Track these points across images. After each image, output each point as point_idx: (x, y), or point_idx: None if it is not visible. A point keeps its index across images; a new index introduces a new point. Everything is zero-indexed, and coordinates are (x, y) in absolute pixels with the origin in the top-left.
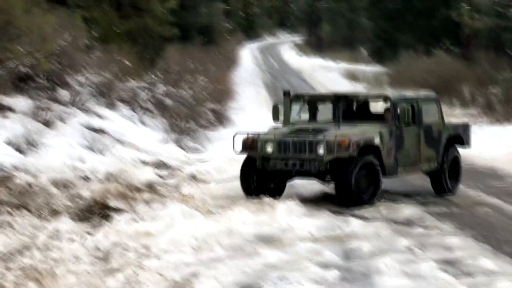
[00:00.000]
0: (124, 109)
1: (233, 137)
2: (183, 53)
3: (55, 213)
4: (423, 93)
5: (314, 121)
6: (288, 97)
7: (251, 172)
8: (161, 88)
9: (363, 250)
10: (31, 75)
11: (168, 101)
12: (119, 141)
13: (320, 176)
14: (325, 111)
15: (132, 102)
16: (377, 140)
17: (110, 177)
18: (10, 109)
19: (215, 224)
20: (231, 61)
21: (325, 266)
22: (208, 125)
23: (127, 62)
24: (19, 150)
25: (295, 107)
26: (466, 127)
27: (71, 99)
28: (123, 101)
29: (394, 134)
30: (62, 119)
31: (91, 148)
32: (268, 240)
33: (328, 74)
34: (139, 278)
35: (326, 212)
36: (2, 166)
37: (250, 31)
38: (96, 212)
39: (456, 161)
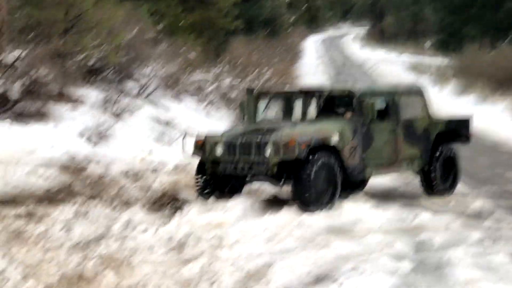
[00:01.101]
0: (190, 101)
1: (182, 138)
2: (247, 46)
3: (127, 203)
4: (404, 85)
5: (288, 119)
6: (251, 95)
7: (204, 176)
8: (226, 80)
9: (434, 242)
10: (100, 68)
11: (233, 93)
12: (188, 134)
13: (272, 179)
14: (299, 109)
15: (197, 94)
16: (334, 139)
17: (178, 169)
18: (81, 101)
19: (285, 216)
20: (294, 54)
21: (397, 257)
22: None
23: (192, 55)
24: (90, 141)
25: (261, 105)
26: (464, 121)
27: (138, 91)
28: (188, 93)
29: (359, 131)
30: (130, 111)
31: (159, 140)
32: (339, 232)
33: (391, 67)
34: (213, 268)
35: (395, 204)
36: (75, 158)
37: (312, 24)
38: (166, 203)
39: (450, 159)
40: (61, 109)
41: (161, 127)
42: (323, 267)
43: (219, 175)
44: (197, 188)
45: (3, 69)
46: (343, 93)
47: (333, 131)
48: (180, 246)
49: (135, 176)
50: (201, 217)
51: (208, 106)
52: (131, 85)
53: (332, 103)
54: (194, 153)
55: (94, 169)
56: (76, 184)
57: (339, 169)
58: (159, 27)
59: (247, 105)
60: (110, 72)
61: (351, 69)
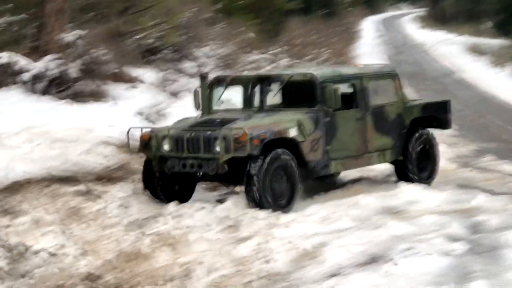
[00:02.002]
0: None
1: (127, 132)
2: (305, 26)
3: None
4: (375, 66)
5: (247, 108)
6: (205, 81)
7: (153, 173)
8: (284, 60)
9: (491, 224)
10: (158, 47)
11: None
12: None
13: (223, 179)
14: (258, 96)
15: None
16: (293, 132)
17: None
18: (139, 80)
19: (342, 196)
20: (352, 34)
21: (453, 238)
22: None
23: (250, 35)
24: (148, 120)
25: (216, 92)
26: (442, 105)
27: (197, 70)
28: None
29: (322, 122)
30: (187, 90)
31: None
32: (394, 212)
33: (451, 48)
34: (269, 247)
35: (450, 185)
36: (133, 136)
37: (371, 4)
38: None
39: (428, 147)
40: (119, 88)
41: None
42: (378, 246)
43: (166, 173)
44: (146, 187)
45: (63, 48)
46: (304, 78)
47: (292, 122)
48: (236, 225)
49: None
50: None
51: None
52: (188, 65)
53: (294, 89)
54: (140, 149)
55: None
56: (134, 162)
57: (298, 165)
58: (216, 7)
59: (201, 92)
60: (168, 52)
61: (411, 50)
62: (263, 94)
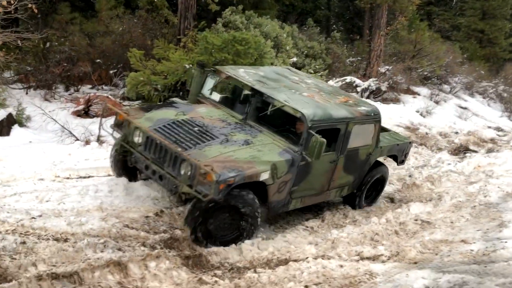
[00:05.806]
0: (478, 97)
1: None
2: None
3: (439, 149)
4: (365, 108)
5: (232, 108)
6: (201, 70)
7: (119, 153)
8: (501, 87)
9: None
10: (430, 76)
11: (505, 94)
12: (475, 115)
13: (178, 198)
14: (244, 104)
15: (483, 93)
16: (264, 176)
17: (469, 133)
18: (417, 93)
19: None
20: None
21: None
22: None
23: (482, 72)
24: (421, 115)
25: (210, 82)
26: (405, 146)
27: (450, 90)
28: (478, 93)
29: (296, 165)
30: (444, 101)
31: (459, 117)
32: None
33: None
34: (486, 188)
35: None
36: (413, 123)
37: None
38: (461, 150)
39: (380, 180)
40: (407, 97)
41: (461, 110)
42: None
43: (128, 164)
44: (111, 163)
45: (379, 75)
46: (294, 114)
47: (266, 165)
48: (469, 175)
49: (444, 135)
50: (481, 159)
51: (489, 100)
52: (446, 87)
53: (283, 116)
54: (114, 125)
55: (422, 130)
56: (412, 137)
57: (258, 208)
58: (464, 55)
59: (195, 78)
60: (434, 79)
61: None
62: (251, 107)
